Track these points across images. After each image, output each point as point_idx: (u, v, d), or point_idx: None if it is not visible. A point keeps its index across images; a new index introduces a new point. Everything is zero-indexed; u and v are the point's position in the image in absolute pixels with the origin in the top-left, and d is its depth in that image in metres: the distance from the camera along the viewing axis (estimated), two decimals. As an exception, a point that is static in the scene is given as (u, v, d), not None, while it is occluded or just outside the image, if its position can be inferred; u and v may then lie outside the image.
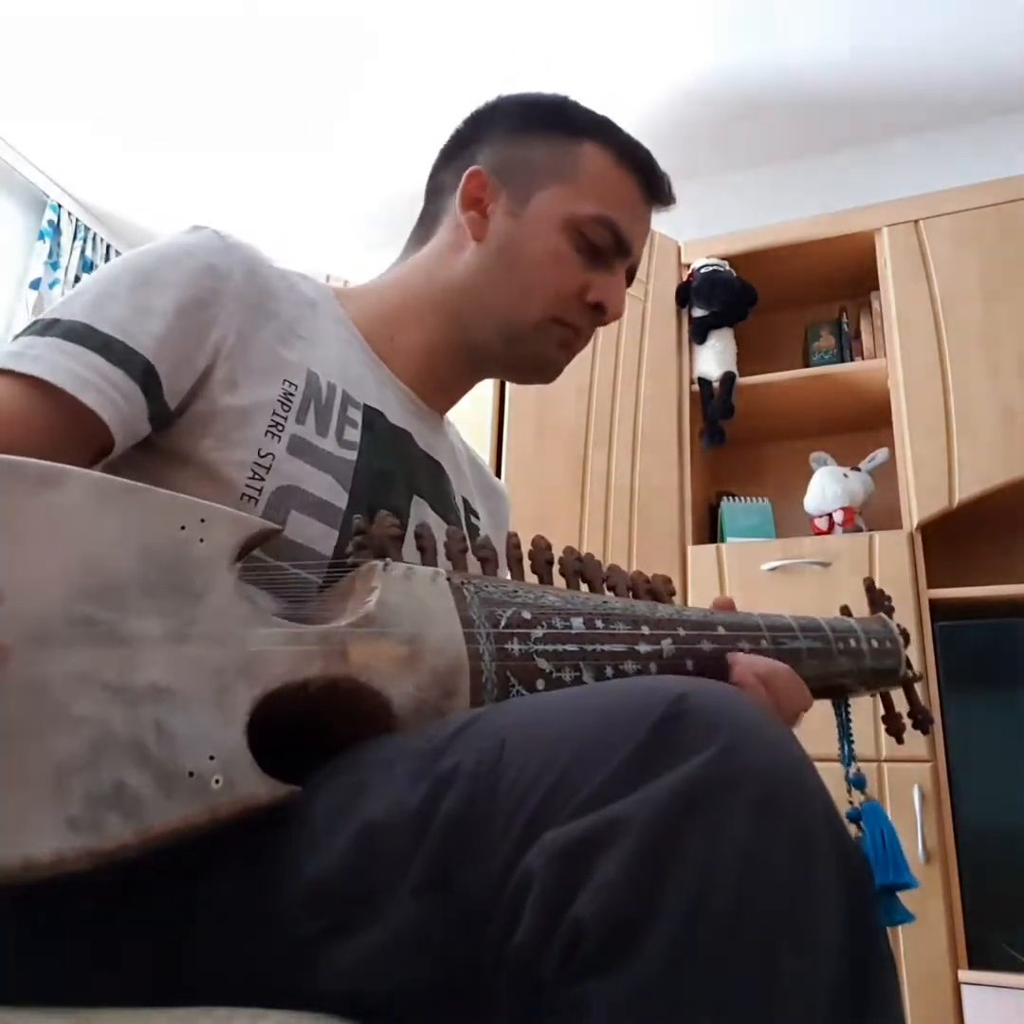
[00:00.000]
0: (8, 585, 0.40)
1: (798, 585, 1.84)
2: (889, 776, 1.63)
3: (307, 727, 0.50)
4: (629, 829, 0.36)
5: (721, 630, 0.63)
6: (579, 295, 0.75)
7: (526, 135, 0.78)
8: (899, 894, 0.58)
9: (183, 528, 0.46)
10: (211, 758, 0.41)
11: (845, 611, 0.79)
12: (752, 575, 1.89)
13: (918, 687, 0.80)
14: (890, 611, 0.80)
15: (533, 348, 0.77)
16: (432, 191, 0.83)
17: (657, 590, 0.67)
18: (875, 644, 0.74)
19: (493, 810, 0.39)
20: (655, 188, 0.78)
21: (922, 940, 1.53)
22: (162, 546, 0.45)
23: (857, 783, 0.65)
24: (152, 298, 0.62)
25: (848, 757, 0.70)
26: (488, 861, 0.38)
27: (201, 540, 0.46)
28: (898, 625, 0.78)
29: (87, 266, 3.05)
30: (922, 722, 0.77)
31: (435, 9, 2.25)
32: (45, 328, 0.60)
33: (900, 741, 0.74)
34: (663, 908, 0.34)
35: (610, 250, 0.75)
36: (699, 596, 1.92)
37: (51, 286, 2.91)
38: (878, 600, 0.81)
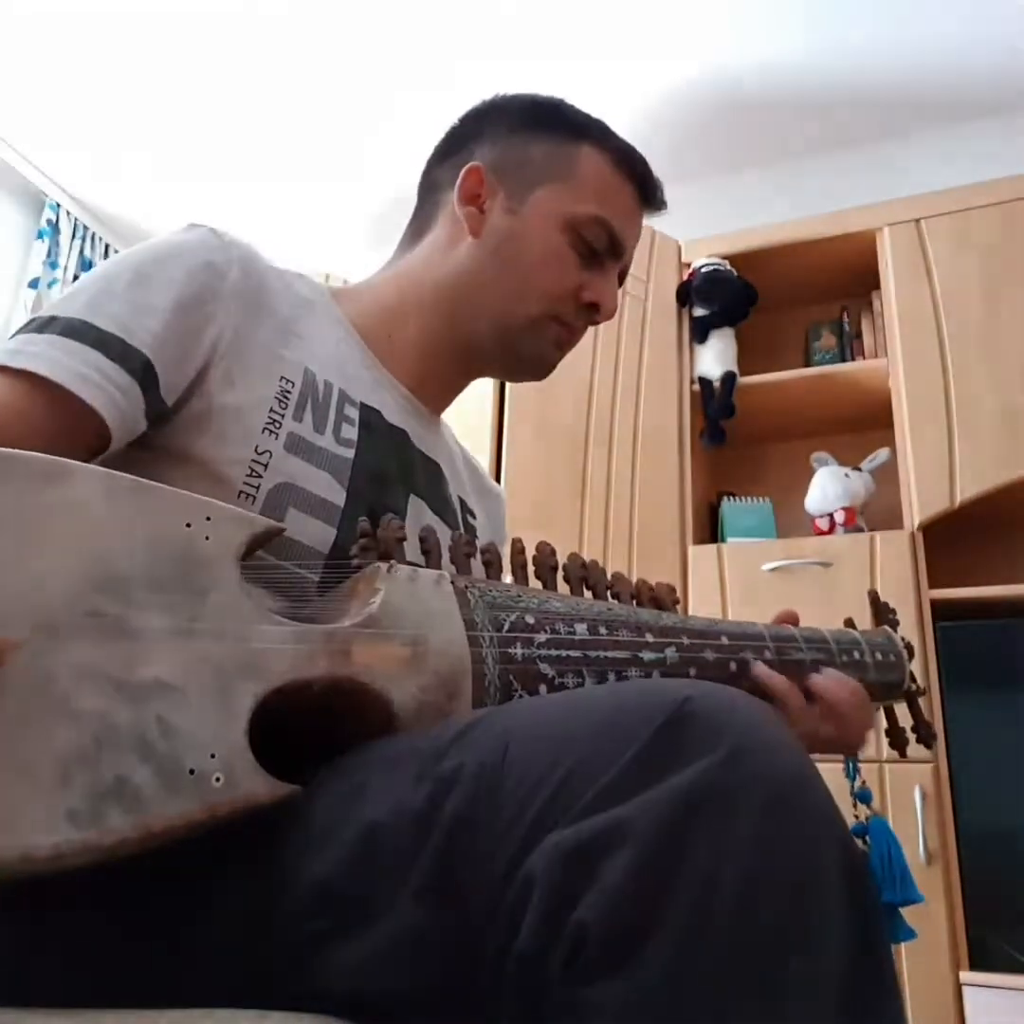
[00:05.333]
0: (18, 576, 0.40)
1: (799, 585, 1.84)
2: (890, 777, 1.63)
3: (309, 728, 0.50)
4: (633, 832, 0.35)
5: (724, 640, 0.63)
6: (574, 294, 0.76)
7: (525, 134, 0.78)
8: (901, 909, 0.58)
9: (189, 525, 0.46)
10: (212, 756, 0.41)
11: (849, 623, 0.79)
12: (753, 575, 1.89)
13: (922, 701, 0.79)
14: (895, 624, 0.80)
15: (528, 345, 0.77)
16: (426, 188, 0.83)
17: (661, 599, 0.67)
18: (879, 657, 0.73)
19: (496, 812, 0.39)
20: (649, 194, 0.80)
21: (923, 941, 1.52)
22: (168, 542, 0.45)
23: (863, 797, 0.65)
24: (151, 296, 0.62)
25: (852, 771, 0.70)
26: (490, 863, 0.38)
27: (207, 538, 0.46)
28: (902, 638, 0.78)
29: (86, 265, 3.05)
30: (926, 736, 0.76)
31: (432, 11, 2.25)
32: (43, 325, 0.60)
33: (903, 755, 0.74)
34: (668, 912, 0.34)
35: (605, 251, 0.76)
36: (700, 596, 1.91)
37: (50, 285, 2.91)
38: (882, 612, 0.81)
